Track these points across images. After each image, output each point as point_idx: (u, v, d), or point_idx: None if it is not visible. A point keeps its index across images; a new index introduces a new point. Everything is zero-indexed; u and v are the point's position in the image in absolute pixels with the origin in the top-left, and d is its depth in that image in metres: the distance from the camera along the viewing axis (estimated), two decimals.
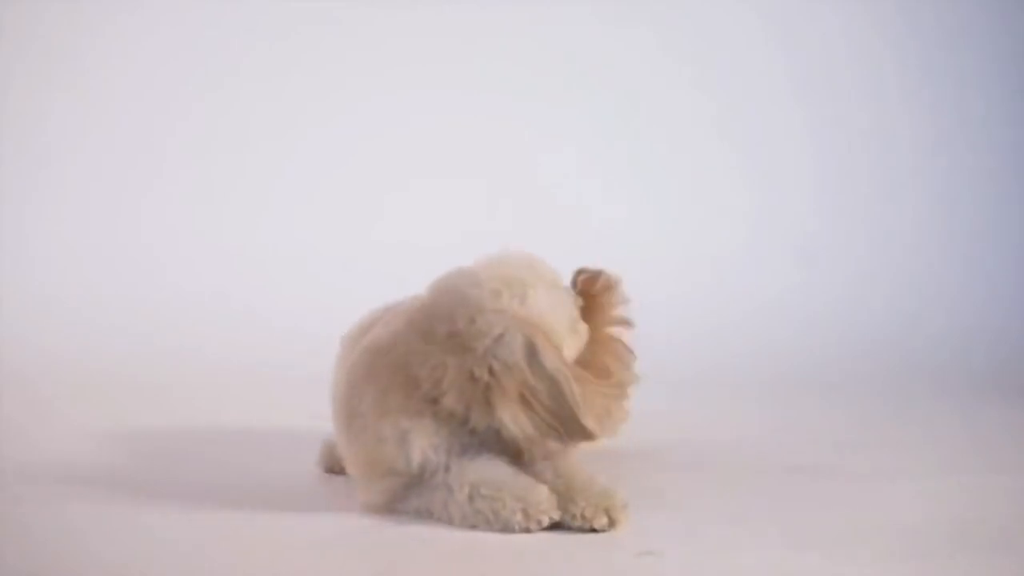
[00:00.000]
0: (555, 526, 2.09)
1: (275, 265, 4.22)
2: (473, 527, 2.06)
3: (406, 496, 2.13)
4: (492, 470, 2.08)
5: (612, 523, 2.08)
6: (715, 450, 2.87)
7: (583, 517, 2.07)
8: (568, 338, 2.19)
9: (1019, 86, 4.73)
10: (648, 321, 4.27)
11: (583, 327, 2.28)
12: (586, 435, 2.09)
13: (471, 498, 2.06)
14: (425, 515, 2.11)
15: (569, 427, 2.08)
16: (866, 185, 4.69)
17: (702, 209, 4.57)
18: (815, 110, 4.67)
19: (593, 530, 2.07)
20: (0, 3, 4.18)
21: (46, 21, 4.21)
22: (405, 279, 4.09)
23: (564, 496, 2.09)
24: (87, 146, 4.26)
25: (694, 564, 1.97)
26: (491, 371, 2.06)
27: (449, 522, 2.08)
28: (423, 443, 2.09)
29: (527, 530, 2.04)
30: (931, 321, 4.34)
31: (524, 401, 2.06)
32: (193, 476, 2.54)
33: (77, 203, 4.22)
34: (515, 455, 2.13)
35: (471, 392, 2.07)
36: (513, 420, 2.06)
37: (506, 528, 2.05)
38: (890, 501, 2.42)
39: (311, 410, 2.72)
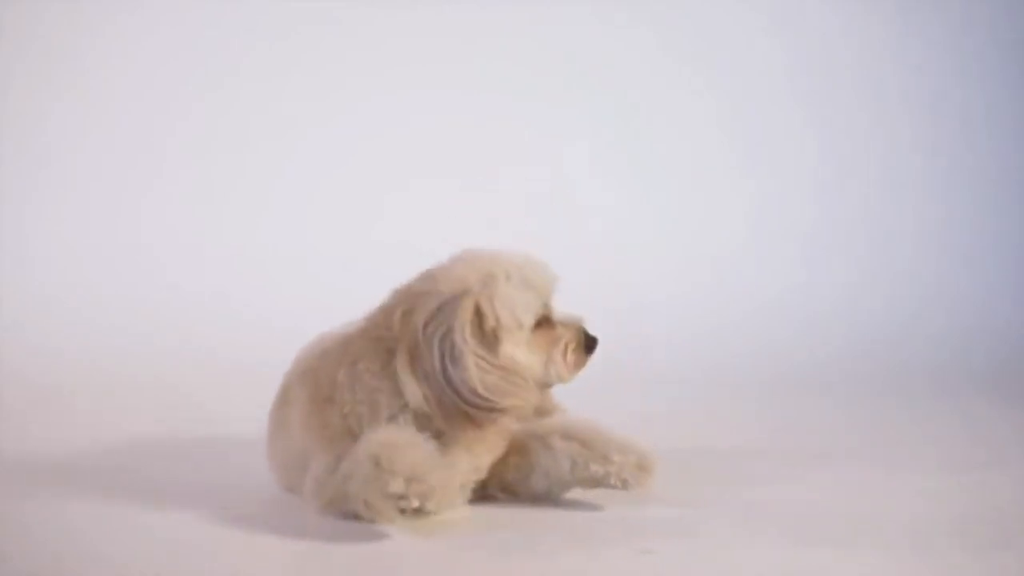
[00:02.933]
0: (552, 523, 2.10)
1: (275, 265, 4.21)
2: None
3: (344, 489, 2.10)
4: (422, 456, 2.05)
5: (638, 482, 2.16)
6: (715, 449, 2.87)
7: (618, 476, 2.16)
8: (516, 332, 2.16)
9: (1020, 87, 4.73)
10: (649, 321, 4.29)
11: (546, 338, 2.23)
12: (468, 418, 2.10)
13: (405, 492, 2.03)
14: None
15: (447, 400, 2.09)
16: (867, 186, 4.69)
17: (703, 209, 4.57)
18: (816, 111, 4.67)
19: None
20: (0, 3, 4.18)
21: (46, 21, 4.21)
22: (405, 279, 4.12)
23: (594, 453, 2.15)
24: (87, 146, 4.26)
25: (694, 562, 1.97)
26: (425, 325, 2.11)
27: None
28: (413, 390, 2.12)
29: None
30: (931, 321, 4.34)
31: (413, 360, 2.10)
32: (193, 476, 2.54)
33: (77, 203, 4.22)
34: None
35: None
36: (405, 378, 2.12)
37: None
38: (890, 499, 2.42)
39: None
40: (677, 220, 4.54)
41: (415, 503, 1.98)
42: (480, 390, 2.08)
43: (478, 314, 2.12)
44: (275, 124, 4.37)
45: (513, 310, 2.14)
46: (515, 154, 4.49)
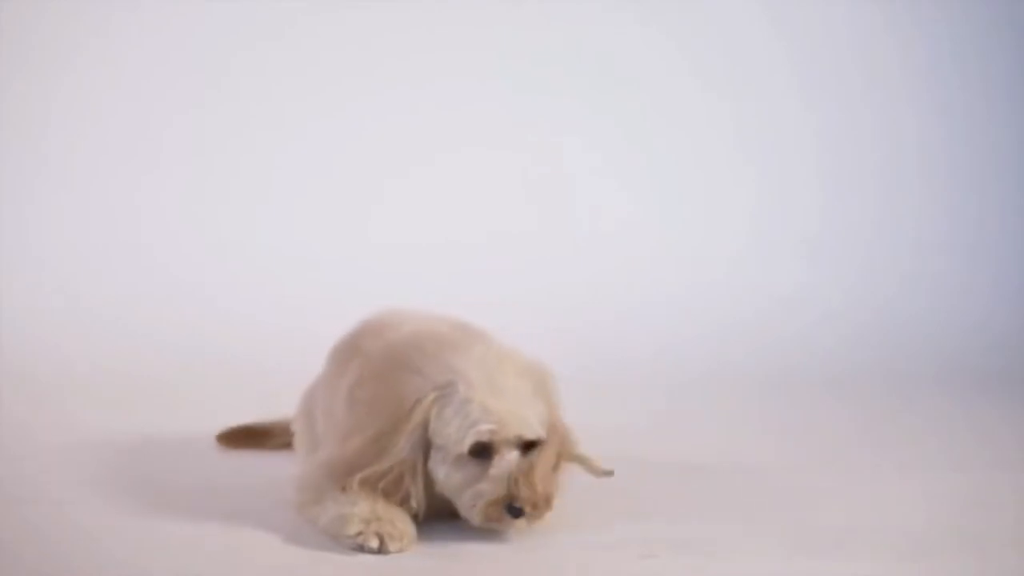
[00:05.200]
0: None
1: (276, 264, 4.20)
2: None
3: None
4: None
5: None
6: (718, 450, 2.87)
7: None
8: (440, 451, 2.11)
9: (1022, 88, 4.73)
10: (652, 322, 4.29)
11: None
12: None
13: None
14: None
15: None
16: (871, 186, 4.68)
17: (709, 209, 4.56)
18: (822, 112, 4.66)
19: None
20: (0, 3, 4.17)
21: (46, 21, 4.20)
22: (412, 278, 4.11)
23: None
24: (86, 146, 4.25)
25: (696, 567, 1.97)
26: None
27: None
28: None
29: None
30: (934, 321, 4.33)
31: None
32: (192, 477, 2.54)
33: (77, 203, 4.21)
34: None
35: None
36: None
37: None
38: (893, 500, 2.42)
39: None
40: (685, 219, 4.52)
41: (375, 543, 2.00)
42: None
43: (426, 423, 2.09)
44: (274, 122, 4.35)
45: (443, 433, 2.07)
46: (515, 152, 4.47)
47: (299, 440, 2.56)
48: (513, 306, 3.77)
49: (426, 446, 2.10)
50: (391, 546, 2.00)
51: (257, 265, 4.17)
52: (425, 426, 2.09)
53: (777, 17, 4.63)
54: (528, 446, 2.08)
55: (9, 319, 3.87)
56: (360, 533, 2.01)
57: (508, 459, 2.06)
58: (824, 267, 4.50)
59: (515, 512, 2.04)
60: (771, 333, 4.20)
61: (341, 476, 2.11)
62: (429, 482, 2.11)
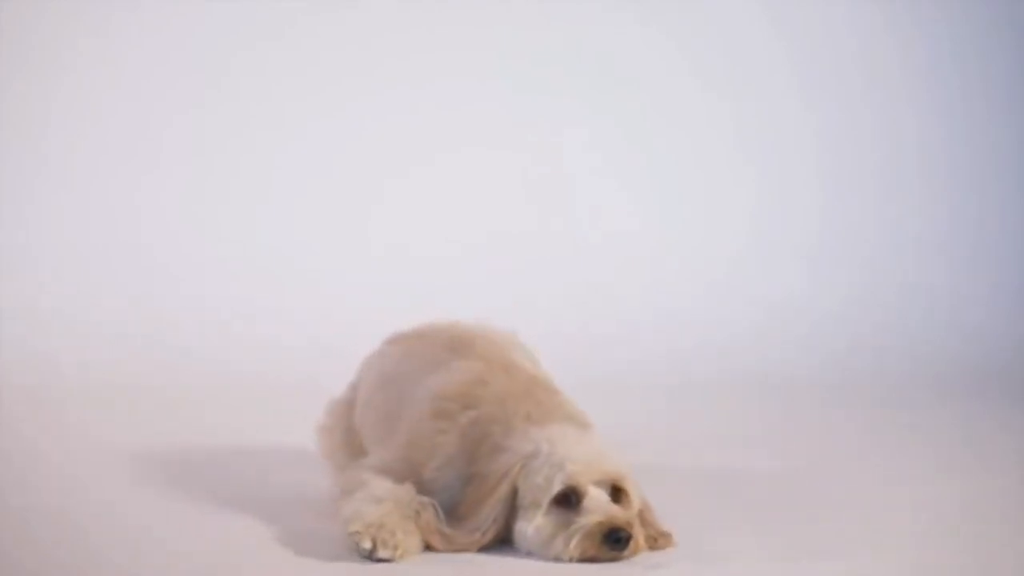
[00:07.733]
0: None
1: (276, 265, 4.20)
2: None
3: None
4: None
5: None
6: (718, 456, 2.86)
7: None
8: (531, 509, 2.10)
9: (1022, 88, 4.73)
10: (652, 322, 4.28)
11: None
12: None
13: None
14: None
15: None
16: (871, 186, 4.68)
17: (709, 210, 4.56)
18: (822, 112, 4.66)
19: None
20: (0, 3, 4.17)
21: (46, 21, 4.20)
22: (411, 278, 4.11)
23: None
24: (87, 147, 4.24)
25: (699, 571, 1.97)
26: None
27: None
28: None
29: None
30: (935, 324, 4.33)
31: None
32: (196, 479, 2.54)
33: (77, 203, 4.20)
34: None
35: None
36: None
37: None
38: (893, 502, 2.42)
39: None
40: (687, 222, 4.52)
41: (367, 544, 2.00)
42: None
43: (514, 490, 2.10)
44: (274, 122, 4.34)
45: (532, 487, 2.07)
46: (515, 152, 4.47)
47: (332, 447, 2.54)
48: (513, 306, 3.76)
49: (509, 514, 2.09)
50: (381, 552, 2.00)
51: (257, 265, 4.17)
52: (512, 494, 2.09)
53: (777, 17, 4.63)
54: (614, 492, 2.09)
55: (9, 319, 3.86)
56: (358, 532, 2.01)
57: (598, 495, 2.06)
58: (824, 268, 4.50)
59: (615, 541, 2.02)
60: (771, 334, 4.20)
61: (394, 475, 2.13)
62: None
